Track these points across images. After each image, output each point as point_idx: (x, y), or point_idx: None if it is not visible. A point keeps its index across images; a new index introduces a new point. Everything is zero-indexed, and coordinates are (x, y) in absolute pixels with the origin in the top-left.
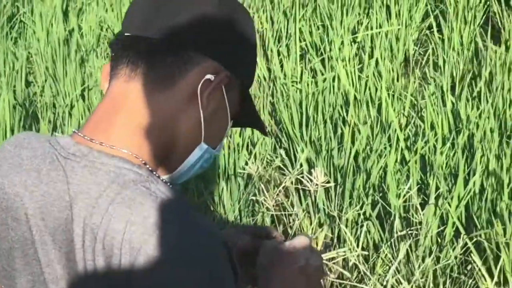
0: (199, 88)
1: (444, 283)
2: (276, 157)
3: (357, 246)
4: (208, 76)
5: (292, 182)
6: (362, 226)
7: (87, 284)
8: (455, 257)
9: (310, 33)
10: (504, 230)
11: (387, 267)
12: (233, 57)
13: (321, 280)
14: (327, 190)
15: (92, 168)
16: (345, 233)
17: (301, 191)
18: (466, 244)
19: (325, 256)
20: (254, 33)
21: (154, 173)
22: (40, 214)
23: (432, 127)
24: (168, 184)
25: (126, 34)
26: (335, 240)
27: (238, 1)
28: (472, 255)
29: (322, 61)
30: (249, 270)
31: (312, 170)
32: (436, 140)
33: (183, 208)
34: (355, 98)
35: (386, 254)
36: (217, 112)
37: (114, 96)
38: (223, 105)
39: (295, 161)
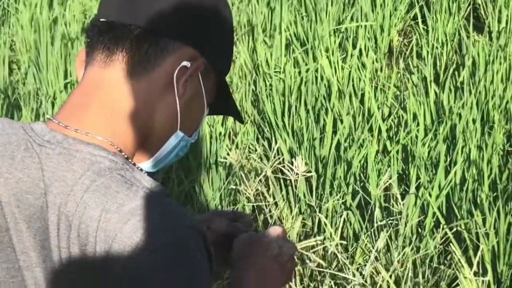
0: (175, 75)
1: (424, 272)
2: (259, 146)
3: (337, 235)
4: (185, 63)
5: (273, 172)
6: (342, 215)
7: (62, 272)
8: (435, 247)
9: (295, 23)
10: (484, 220)
11: (367, 257)
12: (209, 44)
13: (294, 269)
14: (308, 180)
15: (67, 155)
16: (325, 224)
17: (282, 181)
18: (446, 234)
19: (303, 244)
20: (231, 20)
21: (130, 160)
22: (15, 201)
23: (415, 117)
24: (143, 172)
25: (102, 20)
26: (315, 230)
27: None
28: (451, 245)
29: (306, 51)
30: (222, 254)
31: (293, 160)
32: (418, 131)
33: (158, 195)
34: (338, 88)
35: (366, 244)
36: (193, 99)
37: (90, 82)
38: (200, 92)
39: (277, 151)
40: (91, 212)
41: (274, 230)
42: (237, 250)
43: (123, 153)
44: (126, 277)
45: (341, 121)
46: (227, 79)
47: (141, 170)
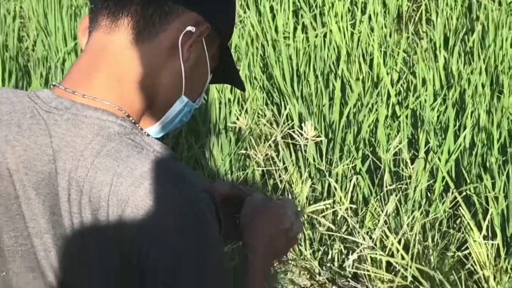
0: (180, 40)
1: (433, 236)
2: (268, 111)
3: (347, 200)
4: (189, 28)
5: (283, 137)
6: (351, 180)
7: (74, 237)
8: (444, 211)
9: None
10: (493, 184)
11: (376, 221)
12: (213, 9)
13: (292, 247)
14: (317, 145)
15: (75, 121)
16: (335, 188)
17: (291, 146)
18: (455, 198)
19: (313, 208)
20: None
21: (137, 125)
22: (23, 169)
23: (424, 82)
24: (151, 136)
25: None
26: (325, 194)
27: None
28: (461, 209)
29: (315, 16)
30: (227, 220)
31: (303, 125)
32: (427, 95)
33: (169, 159)
34: (347, 53)
35: (375, 208)
36: (198, 64)
37: (95, 48)
38: (203, 57)
39: (287, 116)
40: (103, 176)
41: (290, 204)
42: (249, 211)
43: (130, 118)
44: (139, 240)
45: (350, 87)
46: (231, 44)
47: (148, 135)
